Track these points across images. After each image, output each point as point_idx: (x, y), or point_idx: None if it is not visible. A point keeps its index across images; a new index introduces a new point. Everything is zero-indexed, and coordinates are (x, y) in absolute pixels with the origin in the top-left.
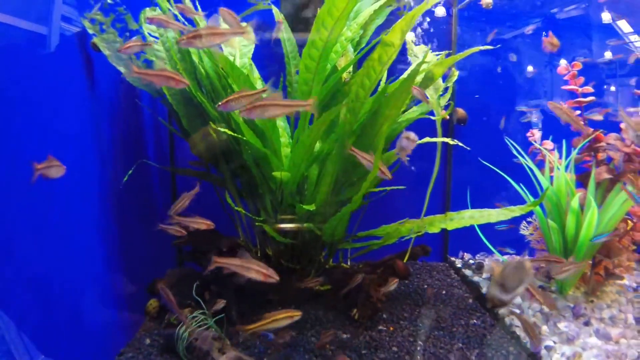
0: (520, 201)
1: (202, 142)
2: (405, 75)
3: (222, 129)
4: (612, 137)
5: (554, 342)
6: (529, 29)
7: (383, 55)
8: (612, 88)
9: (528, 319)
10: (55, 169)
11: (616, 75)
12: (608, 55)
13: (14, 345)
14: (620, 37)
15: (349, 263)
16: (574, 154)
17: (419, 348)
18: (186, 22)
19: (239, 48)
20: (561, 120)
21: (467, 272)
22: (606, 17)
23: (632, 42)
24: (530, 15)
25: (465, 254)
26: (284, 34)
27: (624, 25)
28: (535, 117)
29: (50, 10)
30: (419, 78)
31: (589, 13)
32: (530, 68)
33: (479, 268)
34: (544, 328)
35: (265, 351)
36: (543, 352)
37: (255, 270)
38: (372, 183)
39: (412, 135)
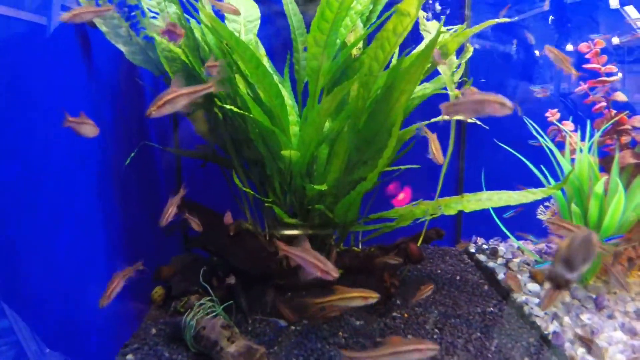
0: (536, 184)
1: (207, 122)
2: (422, 46)
3: (229, 106)
4: (637, 120)
5: None
6: (546, 4)
7: (398, 26)
8: (619, 74)
9: (590, 338)
10: (89, 128)
11: (624, 62)
12: (615, 40)
13: (23, 336)
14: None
15: (359, 246)
16: (597, 135)
17: (435, 337)
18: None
19: (244, 24)
20: (556, 66)
21: (481, 257)
22: (614, 2)
23: None
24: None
25: (478, 238)
26: (289, 7)
27: (631, 11)
28: (542, 94)
29: None
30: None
31: None
32: (537, 52)
33: (493, 253)
34: (566, 319)
35: (276, 339)
36: (567, 345)
37: (313, 264)
38: (388, 160)
39: (509, 102)
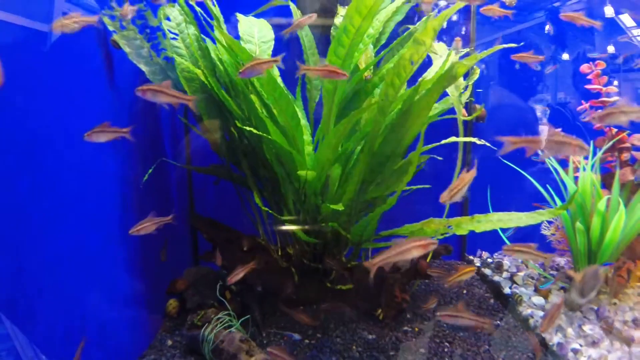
0: (539, 200)
1: (224, 141)
2: (433, 71)
3: (249, 128)
4: (636, 138)
5: (580, 345)
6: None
7: (414, 55)
8: (615, 83)
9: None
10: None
11: (619, 70)
12: (611, 49)
13: (19, 343)
14: (624, 32)
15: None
16: (599, 154)
17: (446, 350)
18: (207, 17)
19: (259, 45)
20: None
21: (487, 271)
22: (609, 11)
23: (635, 37)
24: (533, 9)
25: (483, 252)
26: (302, 29)
27: (626, 20)
28: (539, 112)
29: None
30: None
31: (591, 7)
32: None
33: (498, 267)
34: (569, 330)
35: (291, 353)
36: (570, 354)
37: (415, 247)
38: (405, 183)
39: (586, 145)
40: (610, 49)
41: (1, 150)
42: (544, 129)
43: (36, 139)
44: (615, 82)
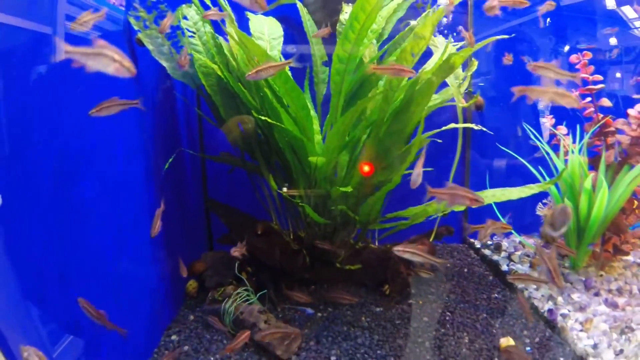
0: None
1: (239, 131)
2: (437, 63)
3: (263, 118)
4: (620, 123)
5: (569, 311)
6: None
7: (415, 47)
8: (618, 74)
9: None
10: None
11: (621, 62)
12: (613, 41)
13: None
14: (626, 24)
15: (376, 244)
16: (586, 138)
17: (447, 318)
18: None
19: (269, 41)
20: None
21: (486, 252)
22: (610, 2)
23: (637, 28)
24: (535, 1)
25: None
26: (308, 25)
27: (628, 11)
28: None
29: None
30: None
31: None
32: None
33: (497, 248)
34: (560, 299)
35: (306, 324)
36: (559, 318)
37: (465, 197)
38: (408, 164)
39: (574, 97)
40: (613, 41)
41: (46, 145)
42: (545, 121)
43: (75, 131)
44: (618, 74)
